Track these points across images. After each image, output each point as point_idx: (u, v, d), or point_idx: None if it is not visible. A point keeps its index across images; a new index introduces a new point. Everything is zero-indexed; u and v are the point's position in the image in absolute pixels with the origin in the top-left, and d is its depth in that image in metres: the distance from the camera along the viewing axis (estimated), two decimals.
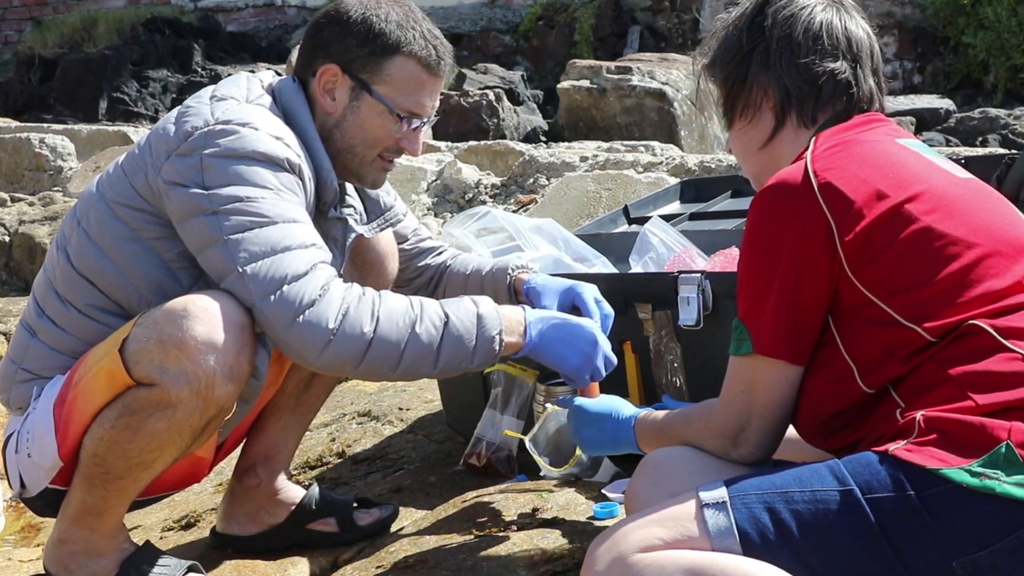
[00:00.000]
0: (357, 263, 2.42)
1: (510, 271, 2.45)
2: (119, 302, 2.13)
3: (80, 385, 2.06)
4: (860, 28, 1.83)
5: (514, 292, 2.43)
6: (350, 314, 1.98)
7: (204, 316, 1.99)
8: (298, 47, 2.30)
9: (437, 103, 2.26)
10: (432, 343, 2.01)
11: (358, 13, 2.17)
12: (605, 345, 2.15)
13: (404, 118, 2.19)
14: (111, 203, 2.13)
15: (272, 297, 1.97)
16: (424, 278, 2.58)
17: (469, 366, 2.05)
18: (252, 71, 2.32)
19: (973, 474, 1.47)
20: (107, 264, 2.12)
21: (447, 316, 2.02)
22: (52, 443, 2.09)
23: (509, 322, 2.07)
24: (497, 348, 2.06)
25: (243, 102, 2.12)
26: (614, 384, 2.25)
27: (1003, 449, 1.48)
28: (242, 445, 2.50)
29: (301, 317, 1.95)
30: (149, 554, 2.18)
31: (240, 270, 1.98)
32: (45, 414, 2.10)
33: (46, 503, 2.19)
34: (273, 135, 2.06)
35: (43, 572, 2.19)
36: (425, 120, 2.23)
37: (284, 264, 1.97)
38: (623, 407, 2.01)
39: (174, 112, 2.14)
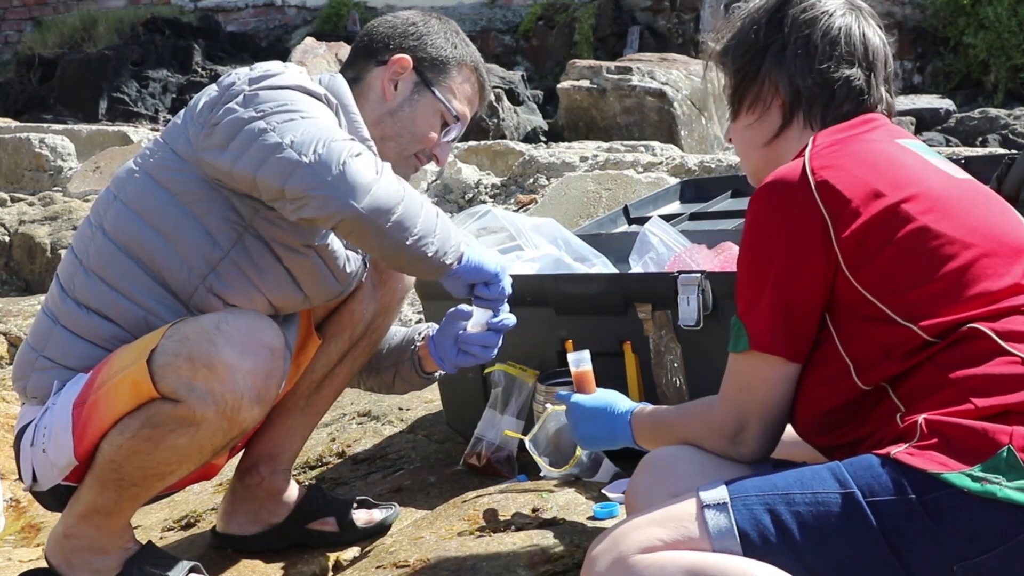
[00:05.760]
0: (379, 267, 2.44)
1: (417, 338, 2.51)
2: (159, 271, 2.13)
3: (103, 389, 2.05)
4: (877, 36, 1.83)
5: (418, 360, 2.50)
6: (386, 170, 2.02)
7: (236, 337, 2.00)
8: (302, 43, 2.34)
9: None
10: (434, 218, 2.06)
11: (435, 21, 2.34)
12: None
13: (455, 123, 2.30)
14: (150, 172, 2.15)
15: (326, 163, 1.97)
16: None
17: (444, 258, 2.08)
18: None
19: (974, 479, 1.48)
20: (147, 231, 2.13)
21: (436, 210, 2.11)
22: (69, 443, 2.08)
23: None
24: (460, 250, 2.11)
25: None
26: (614, 384, 2.25)
27: (1004, 454, 1.48)
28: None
29: (351, 159, 1.97)
30: (152, 554, 2.18)
31: (290, 149, 1.97)
32: (64, 413, 2.09)
33: (56, 498, 2.19)
34: (309, 83, 2.14)
35: (45, 565, 2.20)
36: (460, 133, 2.34)
37: (336, 147, 1.98)
38: (619, 402, 2.01)
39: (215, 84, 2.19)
